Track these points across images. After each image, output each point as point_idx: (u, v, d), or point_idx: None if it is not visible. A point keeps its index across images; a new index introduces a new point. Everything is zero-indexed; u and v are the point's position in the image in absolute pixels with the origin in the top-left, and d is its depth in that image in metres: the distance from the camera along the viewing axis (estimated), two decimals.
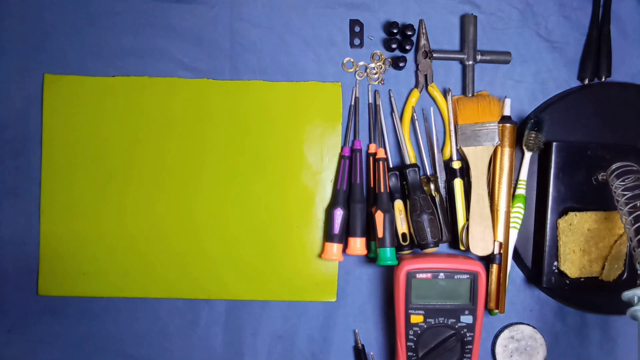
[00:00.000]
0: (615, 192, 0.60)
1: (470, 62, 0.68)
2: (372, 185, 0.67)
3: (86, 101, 0.67)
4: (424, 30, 0.68)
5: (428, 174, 0.68)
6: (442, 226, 0.66)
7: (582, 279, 0.66)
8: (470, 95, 0.68)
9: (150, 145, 0.67)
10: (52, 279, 0.66)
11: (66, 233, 0.66)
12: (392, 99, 0.68)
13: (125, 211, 0.67)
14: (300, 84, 0.68)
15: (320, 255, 0.67)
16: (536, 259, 0.67)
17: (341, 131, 0.68)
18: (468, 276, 0.62)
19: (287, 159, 0.67)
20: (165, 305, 0.67)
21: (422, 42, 0.68)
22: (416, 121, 0.68)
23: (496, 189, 0.66)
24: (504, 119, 0.66)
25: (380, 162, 0.65)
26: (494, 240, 0.65)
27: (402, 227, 0.65)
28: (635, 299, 0.54)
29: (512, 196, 0.67)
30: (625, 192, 0.59)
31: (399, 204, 0.65)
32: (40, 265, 0.66)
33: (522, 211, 0.66)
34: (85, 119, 0.67)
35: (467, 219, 0.65)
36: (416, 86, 0.68)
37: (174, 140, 0.67)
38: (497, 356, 0.68)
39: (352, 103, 0.68)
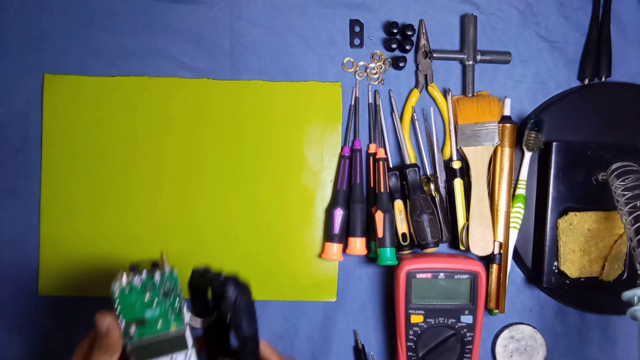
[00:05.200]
0: (615, 192, 0.60)
1: (470, 62, 0.68)
2: (372, 185, 0.67)
3: (86, 101, 0.66)
4: (424, 30, 0.68)
5: (428, 174, 0.68)
6: (442, 226, 0.66)
7: (582, 279, 0.66)
8: (470, 95, 0.68)
9: (151, 145, 0.67)
10: (52, 279, 0.66)
11: (66, 233, 0.66)
12: (392, 99, 0.68)
13: (125, 211, 0.67)
14: (301, 84, 0.68)
15: (320, 255, 0.67)
16: (536, 259, 0.67)
17: (341, 131, 0.68)
18: (468, 276, 0.62)
19: (287, 159, 0.67)
20: None
21: (422, 42, 0.68)
22: (416, 121, 0.68)
23: (496, 189, 0.66)
24: (504, 119, 0.66)
25: (380, 162, 0.65)
26: (494, 240, 0.65)
27: (402, 227, 0.65)
28: (635, 299, 0.54)
29: (512, 196, 0.67)
30: (625, 192, 0.59)
31: (399, 204, 0.65)
32: (40, 265, 0.66)
33: (522, 211, 0.66)
34: (85, 119, 0.67)
35: (467, 219, 0.65)
36: (416, 86, 0.68)
37: (174, 141, 0.67)
38: (497, 356, 0.68)
39: (352, 103, 0.68)
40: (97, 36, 0.67)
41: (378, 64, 0.68)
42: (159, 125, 0.67)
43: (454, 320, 0.62)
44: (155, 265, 0.51)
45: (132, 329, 0.48)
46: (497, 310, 0.65)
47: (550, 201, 0.65)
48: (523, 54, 0.70)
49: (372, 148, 0.67)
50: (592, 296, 0.68)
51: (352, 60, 0.68)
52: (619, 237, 0.66)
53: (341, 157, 0.67)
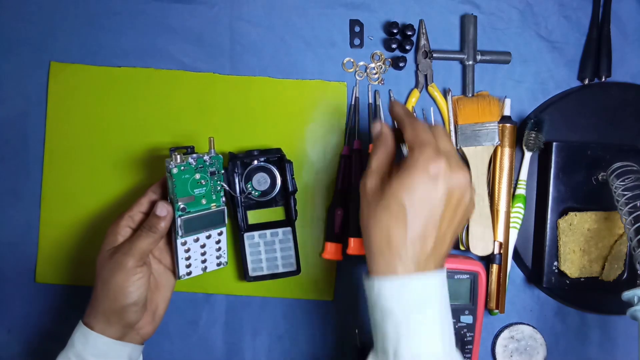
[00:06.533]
0: (615, 192, 0.60)
1: (470, 62, 0.68)
2: None
3: (91, 91, 0.67)
4: (424, 30, 0.68)
5: None
6: None
7: (582, 279, 0.66)
8: (470, 95, 0.68)
9: (154, 138, 0.67)
10: (51, 266, 0.66)
11: (66, 230, 0.66)
12: (392, 99, 0.68)
13: (126, 201, 0.66)
14: (306, 82, 0.68)
15: (320, 255, 0.67)
16: (536, 259, 0.67)
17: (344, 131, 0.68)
18: (468, 276, 0.62)
19: (289, 156, 0.67)
20: None
21: (422, 42, 0.68)
22: None
23: (496, 189, 0.66)
24: (504, 119, 0.66)
25: None
26: (494, 240, 0.65)
27: None
28: (635, 299, 0.54)
29: (512, 196, 0.67)
30: (625, 192, 0.59)
31: None
32: (39, 253, 0.66)
33: (522, 211, 0.66)
34: (90, 109, 0.66)
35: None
36: (416, 86, 0.68)
37: (177, 134, 0.67)
38: (497, 356, 0.68)
39: (352, 103, 0.68)
40: (96, 36, 0.67)
41: (378, 64, 0.68)
42: (162, 118, 0.67)
43: (454, 320, 0.62)
44: (190, 149, 0.59)
45: (182, 205, 0.57)
46: (497, 310, 0.65)
47: (550, 201, 0.65)
48: (523, 54, 0.70)
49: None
50: (592, 296, 0.68)
51: (352, 60, 0.68)
52: (619, 237, 0.66)
53: (341, 156, 0.67)
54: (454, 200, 0.47)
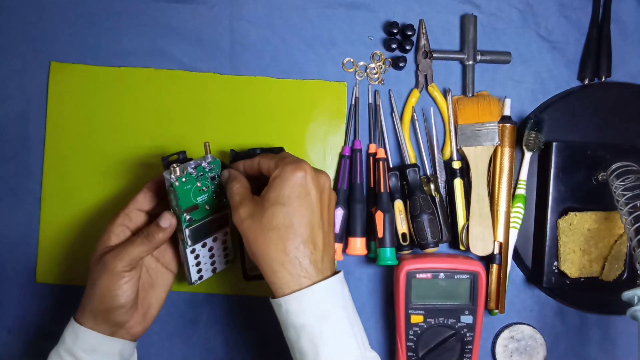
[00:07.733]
0: (615, 192, 0.61)
1: (470, 62, 0.68)
2: (372, 185, 0.67)
3: (91, 90, 0.67)
4: (424, 30, 0.68)
5: (428, 174, 0.68)
6: (442, 226, 0.66)
7: (582, 279, 0.66)
8: (470, 95, 0.68)
9: (154, 137, 0.67)
10: (51, 266, 0.67)
11: (66, 230, 0.66)
12: (392, 99, 0.68)
13: (126, 201, 0.66)
14: (306, 82, 0.68)
15: None
16: (536, 259, 0.67)
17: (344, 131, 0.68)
18: (468, 276, 0.62)
19: None
20: (166, 305, 0.67)
21: (422, 42, 0.68)
22: (416, 121, 0.68)
23: (496, 189, 0.66)
24: (504, 119, 0.66)
25: (380, 162, 0.65)
26: (494, 240, 0.65)
27: (402, 227, 0.65)
28: (635, 299, 0.54)
29: (512, 196, 0.67)
30: (625, 192, 0.59)
31: (399, 204, 0.65)
32: (39, 253, 0.66)
33: (522, 211, 0.66)
34: (90, 108, 0.67)
35: (467, 219, 0.65)
36: (416, 86, 0.68)
37: (178, 134, 0.67)
38: (497, 356, 0.68)
39: (352, 103, 0.68)
40: (96, 36, 0.67)
41: (378, 64, 0.68)
42: (162, 117, 0.67)
43: (454, 320, 0.62)
44: (182, 155, 0.57)
45: (188, 216, 0.55)
46: (497, 310, 0.65)
47: (550, 201, 0.65)
48: (523, 54, 0.70)
49: (372, 148, 0.67)
50: (592, 296, 0.68)
51: (352, 60, 0.68)
52: (619, 237, 0.66)
53: (341, 156, 0.67)
54: (325, 199, 0.51)
